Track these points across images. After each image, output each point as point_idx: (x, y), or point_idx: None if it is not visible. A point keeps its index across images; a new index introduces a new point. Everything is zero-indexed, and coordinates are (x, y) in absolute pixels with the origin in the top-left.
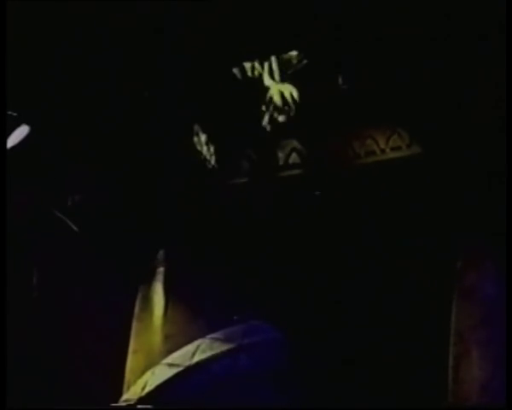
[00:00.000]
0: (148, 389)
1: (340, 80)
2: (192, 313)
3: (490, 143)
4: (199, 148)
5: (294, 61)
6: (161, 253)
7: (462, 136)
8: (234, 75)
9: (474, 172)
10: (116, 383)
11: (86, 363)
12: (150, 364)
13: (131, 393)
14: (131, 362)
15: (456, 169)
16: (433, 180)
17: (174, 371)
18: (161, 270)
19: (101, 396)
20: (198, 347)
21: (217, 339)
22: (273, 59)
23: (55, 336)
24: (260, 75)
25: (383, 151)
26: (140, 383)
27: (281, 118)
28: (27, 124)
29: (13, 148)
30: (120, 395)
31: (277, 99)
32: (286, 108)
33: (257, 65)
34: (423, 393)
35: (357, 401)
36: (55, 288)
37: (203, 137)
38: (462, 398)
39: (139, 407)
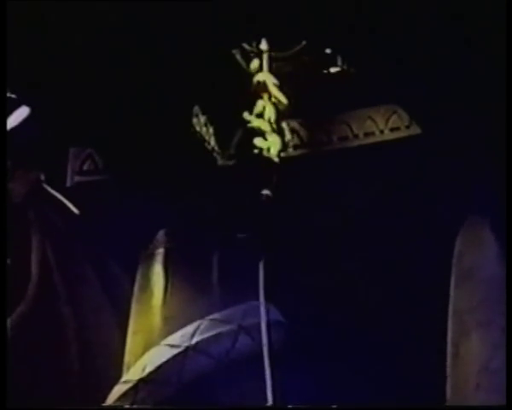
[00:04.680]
0: (147, 370)
1: (339, 61)
2: (192, 294)
3: (489, 123)
4: (198, 129)
5: (293, 43)
6: (161, 234)
7: (462, 116)
8: (233, 56)
9: (473, 153)
10: (116, 365)
11: (85, 346)
12: (150, 345)
13: (131, 374)
14: (131, 343)
15: (455, 150)
16: (432, 161)
17: (174, 352)
18: (161, 251)
19: (100, 376)
20: (197, 328)
21: (216, 320)
22: (270, 40)
23: (52, 319)
24: (258, 57)
25: (382, 132)
26: (140, 364)
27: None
28: (26, 105)
29: (12, 129)
30: (120, 376)
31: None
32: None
33: (255, 46)
34: (421, 375)
35: (357, 383)
36: (54, 268)
37: (202, 119)
38: (461, 378)
39: (135, 407)
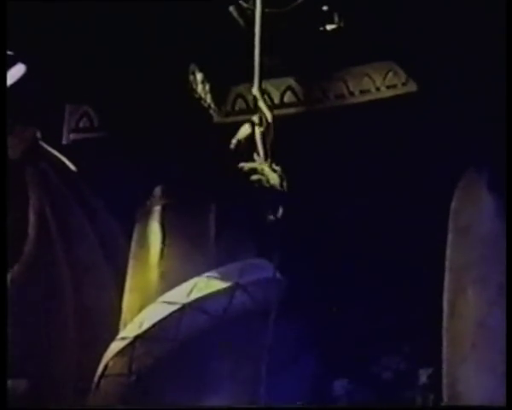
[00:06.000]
0: (144, 327)
1: (335, 18)
2: (189, 252)
3: (486, 79)
4: (194, 86)
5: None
6: (158, 191)
7: (458, 74)
8: (230, 14)
9: (470, 110)
10: (113, 321)
11: (82, 302)
12: (147, 302)
13: (128, 331)
14: (128, 300)
15: (452, 107)
16: (429, 118)
17: (170, 308)
18: (158, 208)
19: (97, 333)
20: (195, 285)
21: (213, 277)
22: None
23: (50, 275)
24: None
25: (378, 89)
26: (137, 321)
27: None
28: (23, 63)
29: (10, 87)
30: (117, 332)
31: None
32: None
33: (251, 3)
34: (419, 331)
35: (353, 341)
36: (51, 225)
37: (199, 76)
38: (457, 335)
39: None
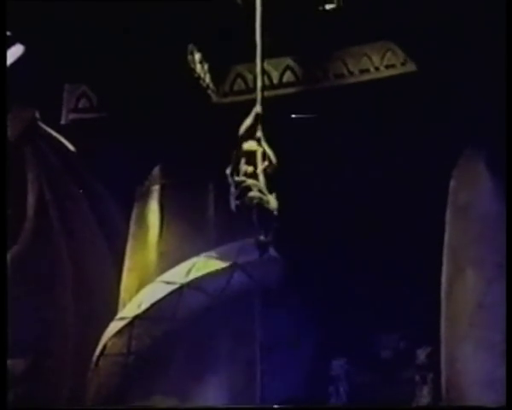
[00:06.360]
0: (143, 307)
1: None
2: (187, 231)
3: (485, 58)
4: (193, 66)
5: None
6: (156, 170)
7: (457, 53)
8: None
9: (468, 90)
10: (112, 301)
11: (80, 282)
12: (145, 282)
13: (127, 310)
14: (127, 280)
15: (450, 86)
16: (427, 97)
17: (169, 288)
18: (156, 188)
19: (96, 313)
20: (193, 265)
21: (212, 257)
22: None
23: (48, 255)
24: None
25: (377, 69)
26: (135, 300)
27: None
28: (21, 43)
29: (8, 67)
30: (116, 312)
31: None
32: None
33: None
34: (417, 310)
35: (351, 320)
36: (50, 205)
37: (197, 56)
38: (455, 314)
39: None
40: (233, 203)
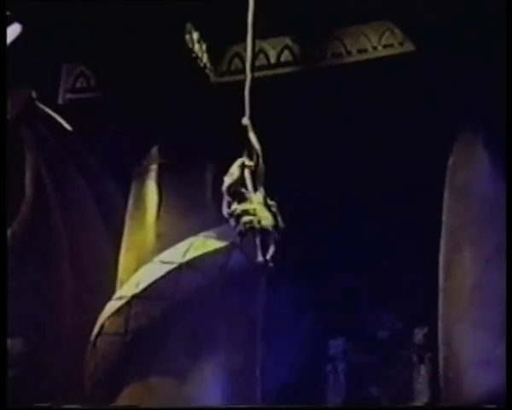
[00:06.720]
0: (141, 287)
1: None
2: (185, 211)
3: (484, 37)
4: (191, 46)
5: None
6: (154, 150)
7: (455, 33)
8: None
9: (466, 70)
10: (109, 281)
11: (78, 262)
12: (143, 261)
13: (125, 290)
14: (124, 260)
15: (448, 66)
16: (425, 77)
17: (167, 268)
18: (154, 167)
19: (93, 292)
20: (191, 244)
21: (210, 237)
22: None
23: (46, 235)
24: None
25: (375, 48)
26: (133, 280)
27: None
28: (20, 23)
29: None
30: (113, 292)
31: None
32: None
33: None
34: (415, 290)
35: (349, 300)
36: (48, 184)
37: (195, 35)
38: (453, 293)
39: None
40: (237, 238)
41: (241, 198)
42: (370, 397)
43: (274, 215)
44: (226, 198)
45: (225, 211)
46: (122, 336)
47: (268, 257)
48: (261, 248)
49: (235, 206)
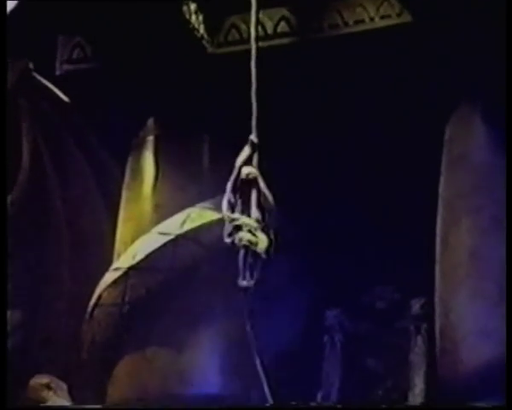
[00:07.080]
0: (138, 258)
1: None
2: (182, 182)
3: (483, 12)
4: (188, 16)
5: None
6: (151, 121)
7: (454, 4)
8: None
9: (464, 41)
10: (106, 252)
11: (76, 233)
12: (140, 232)
13: (122, 261)
14: (121, 231)
15: (446, 37)
16: (423, 48)
17: (164, 239)
18: (151, 138)
19: (91, 263)
20: (188, 215)
21: (207, 208)
22: None
23: (43, 206)
24: None
25: (372, 19)
26: (130, 251)
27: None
28: None
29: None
30: (110, 263)
31: None
32: None
33: None
34: (412, 261)
35: (346, 271)
36: (45, 155)
37: (192, 6)
38: (450, 265)
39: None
40: (225, 238)
41: (244, 207)
42: (367, 368)
43: (270, 240)
44: (229, 195)
45: (225, 211)
46: (120, 306)
47: (252, 283)
48: (248, 270)
49: (237, 215)
